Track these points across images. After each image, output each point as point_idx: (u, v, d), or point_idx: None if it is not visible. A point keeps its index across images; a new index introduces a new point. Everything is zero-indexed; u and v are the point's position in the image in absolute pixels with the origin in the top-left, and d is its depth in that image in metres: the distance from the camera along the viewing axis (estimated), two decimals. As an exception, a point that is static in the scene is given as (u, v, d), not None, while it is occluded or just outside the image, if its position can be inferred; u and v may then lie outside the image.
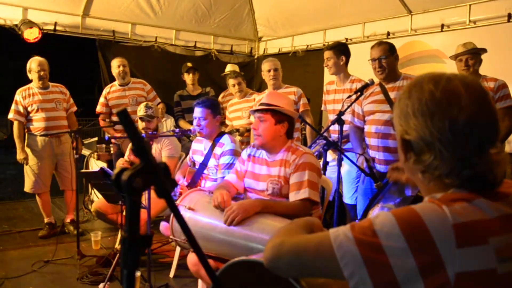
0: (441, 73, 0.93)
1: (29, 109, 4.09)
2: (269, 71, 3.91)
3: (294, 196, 2.24)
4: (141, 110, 3.58)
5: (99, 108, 4.62)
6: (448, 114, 0.86)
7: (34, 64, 4.10)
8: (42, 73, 4.09)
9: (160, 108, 4.75)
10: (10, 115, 4.12)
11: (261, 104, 2.41)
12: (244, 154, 2.57)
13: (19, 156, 4.10)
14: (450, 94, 0.87)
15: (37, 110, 4.10)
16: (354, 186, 3.50)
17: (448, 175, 0.88)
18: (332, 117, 3.67)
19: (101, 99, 4.62)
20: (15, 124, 4.13)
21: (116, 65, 4.52)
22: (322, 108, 3.98)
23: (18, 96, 4.11)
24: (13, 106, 4.12)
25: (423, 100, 0.89)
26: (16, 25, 4.87)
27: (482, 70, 3.34)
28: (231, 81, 4.38)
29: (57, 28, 5.18)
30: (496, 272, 0.81)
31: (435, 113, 0.87)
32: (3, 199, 6.14)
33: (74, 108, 4.38)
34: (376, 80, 3.04)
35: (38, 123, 4.12)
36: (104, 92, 4.64)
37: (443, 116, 0.86)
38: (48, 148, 4.16)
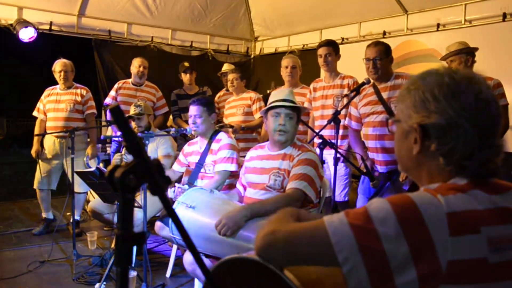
0: None
1: (46, 108, 4.24)
2: (286, 67, 3.85)
3: (289, 185, 2.26)
4: (131, 111, 3.62)
5: (108, 100, 4.66)
6: (471, 92, 0.89)
7: (57, 66, 4.23)
8: (62, 74, 4.19)
9: (162, 119, 4.75)
10: (34, 111, 4.31)
11: (288, 101, 2.39)
12: (246, 162, 2.60)
13: (32, 150, 4.25)
14: (468, 76, 0.92)
15: (50, 110, 4.22)
16: (343, 183, 3.54)
17: (468, 158, 0.88)
18: (318, 113, 3.65)
19: (112, 92, 4.65)
20: (37, 120, 4.33)
21: (137, 64, 4.56)
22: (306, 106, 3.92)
23: (43, 94, 4.30)
24: (38, 103, 4.31)
25: (444, 84, 0.91)
26: (11, 25, 4.85)
27: (477, 70, 3.34)
28: (229, 76, 4.35)
29: (53, 27, 5.17)
30: (487, 261, 0.81)
31: (459, 93, 0.89)
32: (-1, 199, 6.09)
33: (91, 111, 4.33)
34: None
35: (48, 122, 4.23)
36: (116, 86, 4.65)
37: (467, 94, 0.89)
38: (54, 147, 4.19)
